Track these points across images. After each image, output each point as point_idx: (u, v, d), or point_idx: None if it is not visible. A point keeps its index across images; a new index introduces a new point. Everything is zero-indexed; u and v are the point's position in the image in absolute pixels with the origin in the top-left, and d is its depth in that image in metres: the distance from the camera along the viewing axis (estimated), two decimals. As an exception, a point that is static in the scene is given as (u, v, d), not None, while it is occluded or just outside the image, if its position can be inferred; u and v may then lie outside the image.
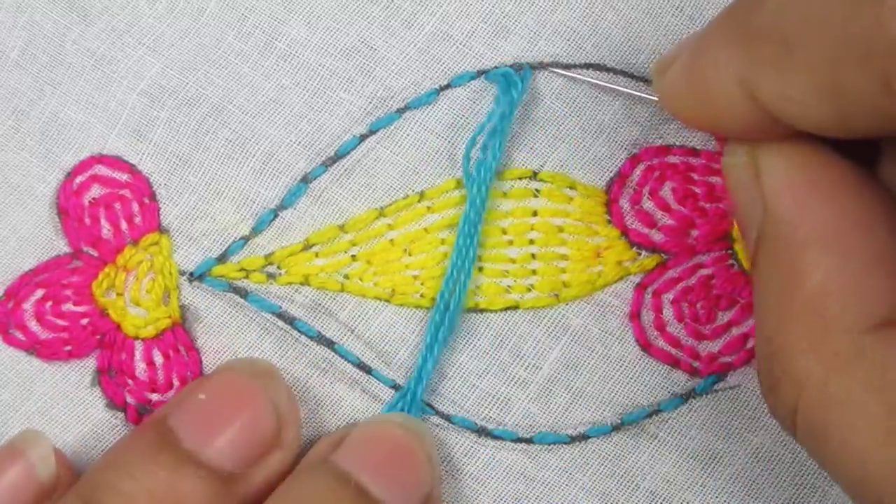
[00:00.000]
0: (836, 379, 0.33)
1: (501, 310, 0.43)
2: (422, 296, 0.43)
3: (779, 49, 0.33)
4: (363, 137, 0.43)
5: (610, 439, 0.43)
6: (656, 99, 0.39)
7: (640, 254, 0.43)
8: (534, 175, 0.43)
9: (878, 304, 0.34)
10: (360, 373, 0.43)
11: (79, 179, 0.44)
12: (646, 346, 0.43)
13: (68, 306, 0.44)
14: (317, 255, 0.43)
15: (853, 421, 0.33)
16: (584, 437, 0.43)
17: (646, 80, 0.43)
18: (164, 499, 0.38)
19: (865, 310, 0.34)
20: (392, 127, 0.43)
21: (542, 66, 0.43)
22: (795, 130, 0.34)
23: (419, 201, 0.43)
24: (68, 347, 0.44)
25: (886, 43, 0.30)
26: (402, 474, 0.40)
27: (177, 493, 0.38)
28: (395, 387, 0.43)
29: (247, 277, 0.44)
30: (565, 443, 0.43)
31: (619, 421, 0.43)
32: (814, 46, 0.32)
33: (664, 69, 0.37)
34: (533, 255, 0.43)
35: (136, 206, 0.44)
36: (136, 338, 0.44)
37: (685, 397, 0.42)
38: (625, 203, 0.43)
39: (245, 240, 0.44)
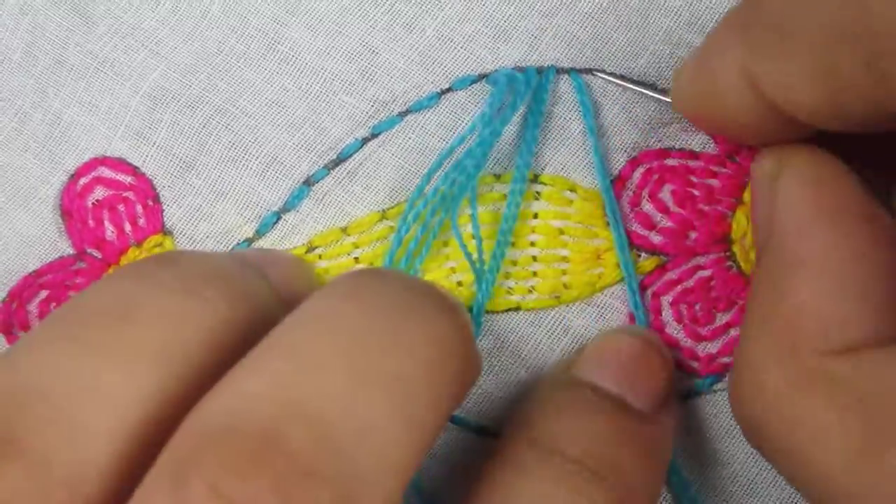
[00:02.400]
0: (800, 398, 0.34)
1: (503, 311, 0.43)
2: (424, 297, 0.43)
3: (775, 36, 0.33)
4: (365, 140, 0.44)
5: (610, 439, 0.43)
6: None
7: (639, 256, 0.43)
8: (535, 178, 0.43)
9: (853, 328, 0.34)
10: (363, 373, 0.43)
11: (82, 181, 0.44)
12: (645, 347, 0.43)
13: (72, 308, 0.44)
14: (320, 257, 0.44)
15: (815, 442, 0.33)
16: (584, 437, 0.43)
17: (645, 84, 0.43)
18: None
19: (839, 334, 0.34)
20: (394, 130, 0.44)
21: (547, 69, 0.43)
22: (806, 133, 0.35)
23: (421, 204, 0.43)
24: (72, 349, 0.44)
25: (870, 24, 0.31)
26: (639, 379, 0.40)
27: None
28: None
29: (250, 279, 0.44)
30: (566, 443, 0.43)
31: (619, 421, 0.43)
32: (807, 31, 0.33)
33: (680, 72, 0.38)
34: (534, 258, 0.43)
35: (139, 208, 0.44)
36: (140, 339, 0.44)
37: (684, 398, 0.43)
38: (624, 206, 0.43)
39: (248, 242, 0.44)
